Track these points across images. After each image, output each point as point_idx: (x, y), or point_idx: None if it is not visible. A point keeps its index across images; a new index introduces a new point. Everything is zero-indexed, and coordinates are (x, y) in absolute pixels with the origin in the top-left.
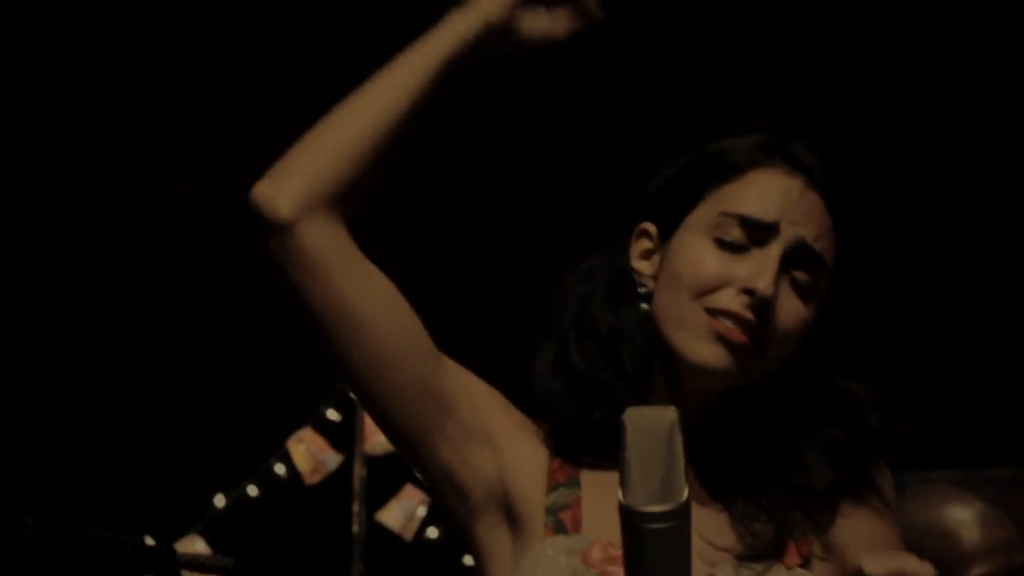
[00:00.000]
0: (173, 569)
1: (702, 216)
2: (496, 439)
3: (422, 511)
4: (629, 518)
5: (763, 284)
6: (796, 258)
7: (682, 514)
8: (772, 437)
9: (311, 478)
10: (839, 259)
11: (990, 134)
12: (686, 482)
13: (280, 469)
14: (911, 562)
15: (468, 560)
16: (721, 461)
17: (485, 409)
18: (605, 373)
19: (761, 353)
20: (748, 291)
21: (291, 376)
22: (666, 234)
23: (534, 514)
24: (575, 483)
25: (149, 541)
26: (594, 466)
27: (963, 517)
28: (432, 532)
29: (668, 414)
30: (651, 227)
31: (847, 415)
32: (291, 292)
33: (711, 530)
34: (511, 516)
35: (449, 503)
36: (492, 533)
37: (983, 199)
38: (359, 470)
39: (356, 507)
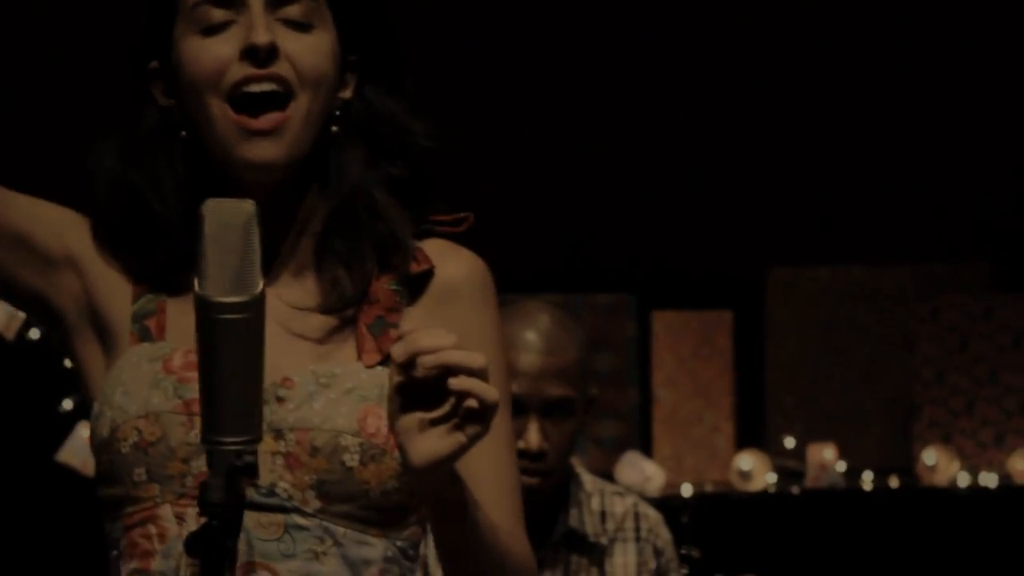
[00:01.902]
0: None
1: (182, 20)
2: (78, 260)
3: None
4: (203, 308)
5: (256, 35)
6: (276, 1)
7: (255, 306)
8: (339, 191)
9: None
10: None
11: None
12: (261, 275)
13: None
14: (437, 338)
15: (68, 363)
16: (296, 231)
17: (62, 234)
18: (146, 224)
19: (293, 98)
20: (249, 50)
21: None
22: (170, 59)
23: (121, 324)
24: (161, 290)
25: None
26: (179, 276)
27: (528, 338)
28: (34, 333)
29: (245, 206)
30: (155, 63)
31: (398, 142)
32: None
33: (298, 293)
34: (102, 330)
35: (46, 325)
36: (87, 348)
37: None
38: None
39: None
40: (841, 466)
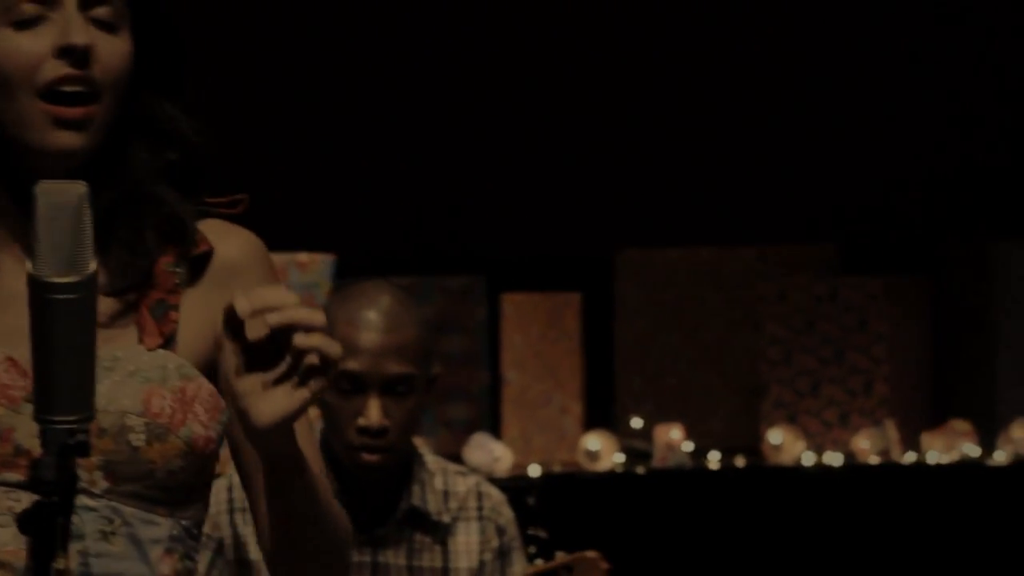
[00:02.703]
0: None
1: None
2: None
3: None
4: (36, 288)
5: (75, 36)
6: (86, 1)
7: (88, 286)
8: (123, 180)
9: None
10: None
11: None
12: (93, 255)
13: None
14: (280, 296)
15: None
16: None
17: None
18: None
19: (98, 101)
20: (65, 50)
21: None
22: None
23: None
24: None
25: None
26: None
27: (368, 317)
28: None
29: (78, 188)
30: None
31: (173, 133)
32: None
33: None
34: None
35: None
36: None
37: None
38: None
39: None
40: (688, 446)
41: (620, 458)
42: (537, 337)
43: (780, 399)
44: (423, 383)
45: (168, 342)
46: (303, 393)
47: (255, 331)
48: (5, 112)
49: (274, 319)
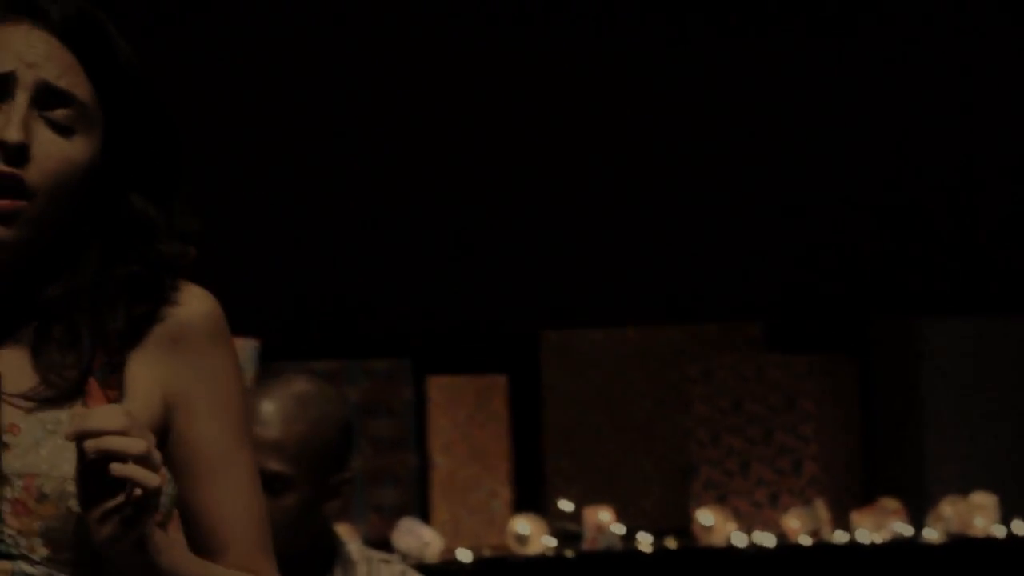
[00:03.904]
0: None
1: None
2: None
3: None
4: None
5: (10, 133)
6: (45, 99)
7: None
8: (75, 276)
9: None
10: (101, 89)
11: None
12: None
13: None
14: (103, 419)
15: None
16: (26, 307)
17: None
18: None
19: (31, 197)
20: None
21: None
22: None
23: None
24: None
25: None
26: None
27: (258, 408)
28: None
29: None
30: None
31: (143, 243)
32: None
33: (16, 377)
34: None
35: None
36: None
37: None
38: None
39: None
40: (619, 528)
41: (551, 541)
42: (464, 420)
43: (710, 479)
44: (307, 485)
45: (112, 404)
46: (127, 522)
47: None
48: None
49: (91, 446)
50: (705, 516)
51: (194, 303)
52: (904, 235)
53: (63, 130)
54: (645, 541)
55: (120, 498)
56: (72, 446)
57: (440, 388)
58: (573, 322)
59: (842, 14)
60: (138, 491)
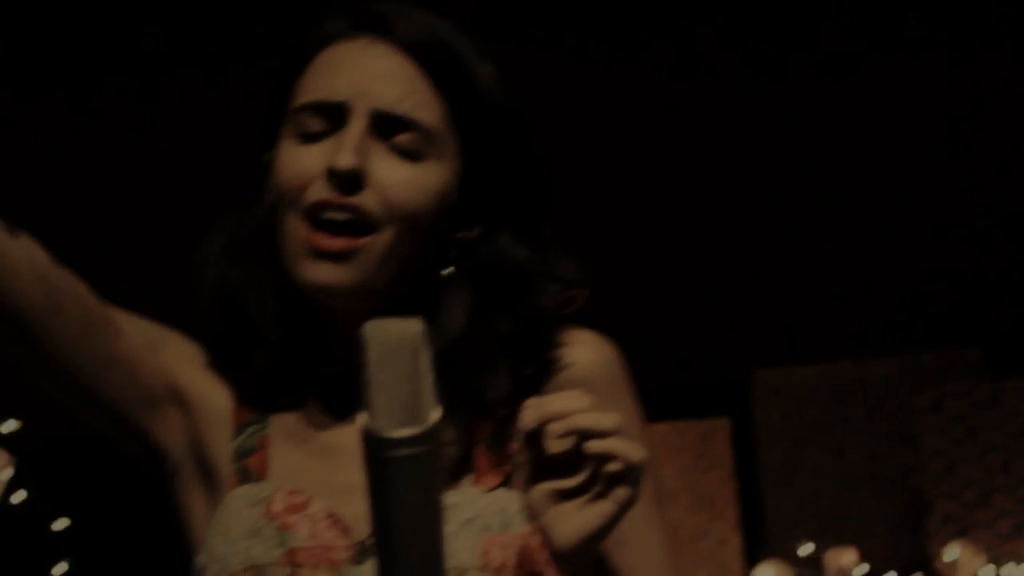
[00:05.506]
0: None
1: (288, 120)
2: (182, 393)
3: (7, 474)
4: (372, 446)
5: (340, 159)
6: (384, 125)
7: (431, 438)
8: (443, 332)
9: None
10: (456, 111)
11: None
12: (436, 401)
13: None
14: (566, 402)
15: (58, 525)
16: None
17: (167, 366)
18: (244, 330)
19: (372, 231)
20: (331, 172)
21: None
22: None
23: (223, 464)
24: (262, 423)
25: None
26: (282, 396)
27: None
28: (18, 496)
29: (413, 327)
30: (269, 156)
31: (517, 293)
32: None
33: None
34: (205, 471)
35: (149, 466)
36: (190, 492)
37: None
38: None
39: None
40: (862, 569)
41: None
42: (688, 467)
43: (947, 513)
44: None
45: (508, 479)
46: (606, 507)
47: (554, 444)
48: (278, 235)
49: (558, 428)
50: (950, 552)
51: (588, 352)
52: None
53: (408, 155)
54: None
55: (581, 476)
56: (464, 533)
57: (660, 435)
58: (786, 360)
59: None
60: (615, 465)
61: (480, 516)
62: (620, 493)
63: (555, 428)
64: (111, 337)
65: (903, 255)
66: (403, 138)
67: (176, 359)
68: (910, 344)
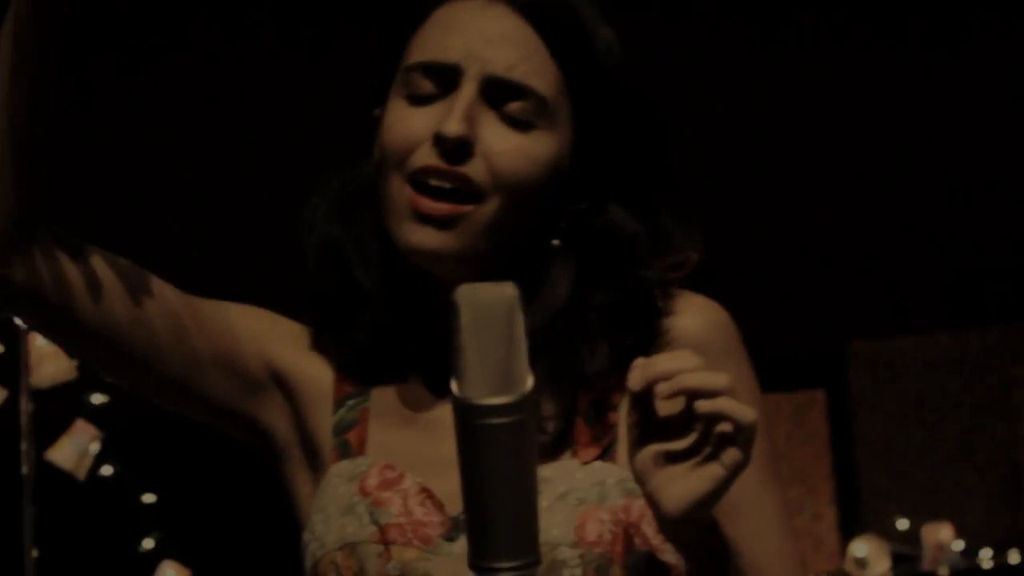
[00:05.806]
0: None
1: (398, 78)
2: (281, 374)
3: (95, 447)
4: (464, 413)
5: (448, 125)
6: (496, 92)
7: (525, 406)
8: (548, 302)
9: None
10: (572, 80)
11: None
12: (529, 369)
13: None
14: (674, 362)
15: (147, 498)
16: None
17: (264, 349)
18: (349, 291)
19: (479, 199)
20: (438, 138)
21: None
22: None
23: (325, 440)
24: (363, 395)
25: None
26: (383, 366)
27: None
28: (107, 469)
29: (507, 291)
30: (378, 112)
31: (624, 265)
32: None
33: None
34: (309, 449)
35: (258, 449)
36: (297, 472)
37: None
38: (26, 405)
39: (24, 446)
40: (958, 544)
41: (887, 563)
42: (783, 440)
43: None
44: None
45: (606, 452)
46: (715, 470)
47: (662, 405)
48: (381, 198)
49: (666, 389)
50: None
51: (698, 316)
52: None
53: (518, 124)
54: (986, 557)
55: (690, 438)
56: (558, 507)
57: None
58: (882, 331)
59: None
60: (725, 426)
61: (575, 489)
62: (731, 455)
63: (663, 388)
64: (203, 335)
65: (1003, 225)
66: (515, 106)
67: (272, 340)
68: (1010, 315)
